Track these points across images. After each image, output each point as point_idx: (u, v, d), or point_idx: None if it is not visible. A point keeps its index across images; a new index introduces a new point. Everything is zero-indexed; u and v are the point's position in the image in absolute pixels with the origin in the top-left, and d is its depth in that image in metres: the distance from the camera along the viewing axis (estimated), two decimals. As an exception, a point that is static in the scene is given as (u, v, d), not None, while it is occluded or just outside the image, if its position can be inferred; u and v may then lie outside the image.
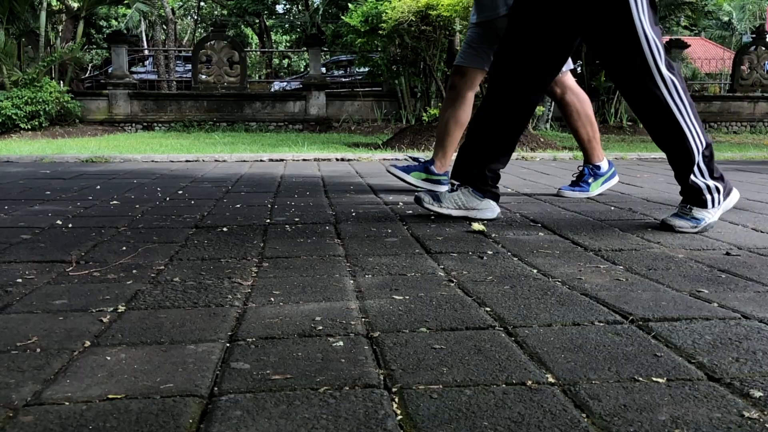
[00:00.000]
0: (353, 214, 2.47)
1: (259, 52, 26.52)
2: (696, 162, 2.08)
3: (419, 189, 3.07)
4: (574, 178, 3.09)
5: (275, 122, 11.56)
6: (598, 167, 3.05)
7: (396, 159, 5.49)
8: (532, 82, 2.24)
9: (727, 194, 2.14)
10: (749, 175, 4.25)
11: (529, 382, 0.93)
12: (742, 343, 1.09)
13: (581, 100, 3.04)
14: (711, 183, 2.09)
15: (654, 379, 0.94)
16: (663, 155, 6.32)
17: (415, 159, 3.24)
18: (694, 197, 2.11)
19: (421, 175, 3.15)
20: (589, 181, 3.03)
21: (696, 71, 18.55)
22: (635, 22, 2.00)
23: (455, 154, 2.60)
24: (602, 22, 2.07)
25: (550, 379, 0.94)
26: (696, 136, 2.07)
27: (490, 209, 2.33)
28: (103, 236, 2.01)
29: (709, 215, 2.10)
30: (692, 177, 2.10)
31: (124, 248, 1.84)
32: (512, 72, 2.24)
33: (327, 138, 8.97)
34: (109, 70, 12.84)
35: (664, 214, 2.48)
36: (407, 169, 3.16)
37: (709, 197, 2.09)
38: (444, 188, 2.92)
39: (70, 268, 1.61)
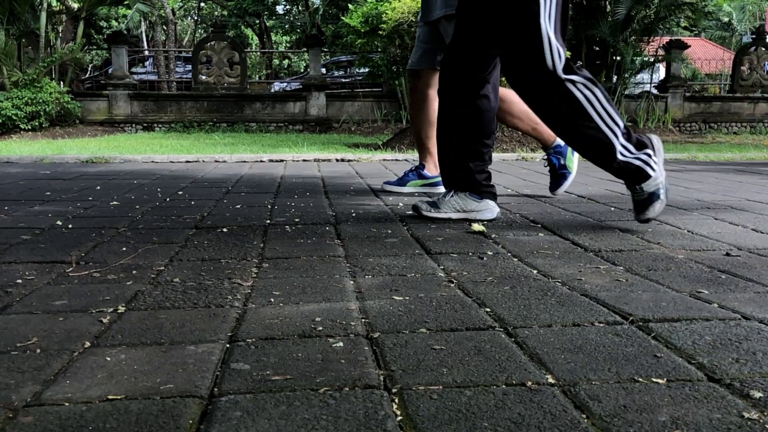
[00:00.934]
0: (353, 214, 2.47)
1: (259, 53, 26.53)
2: (620, 144, 2.08)
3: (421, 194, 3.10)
4: (550, 173, 3.07)
5: (275, 123, 11.57)
6: (559, 146, 3.04)
7: (395, 160, 5.49)
8: (473, 79, 2.26)
9: (654, 149, 2.14)
10: (749, 175, 4.25)
11: (529, 383, 0.93)
12: (742, 344, 1.09)
13: (507, 101, 3.02)
14: (642, 155, 2.10)
15: (654, 379, 0.94)
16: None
17: (405, 175, 3.25)
18: (634, 176, 2.11)
19: (417, 183, 3.18)
20: (563, 162, 3.02)
21: (696, 72, 18.56)
22: (541, 25, 2.03)
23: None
24: (508, 22, 2.10)
25: (550, 380, 0.94)
26: (612, 122, 2.08)
27: (489, 210, 2.33)
28: (103, 237, 2.01)
29: (659, 179, 2.11)
30: (620, 157, 2.09)
31: (124, 249, 1.84)
32: (454, 70, 2.29)
33: (327, 138, 8.97)
34: (110, 71, 12.84)
35: (665, 214, 2.48)
36: (402, 182, 3.20)
37: (647, 167, 2.10)
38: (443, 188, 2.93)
39: (70, 269, 1.61)
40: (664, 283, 1.49)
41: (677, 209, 2.62)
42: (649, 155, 2.11)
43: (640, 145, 2.12)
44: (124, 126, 11.14)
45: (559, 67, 2.06)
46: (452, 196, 2.34)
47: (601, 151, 2.11)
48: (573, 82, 2.06)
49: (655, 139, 2.18)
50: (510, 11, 2.09)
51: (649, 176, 2.10)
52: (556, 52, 2.05)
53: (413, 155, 5.60)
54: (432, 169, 3.16)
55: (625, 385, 0.93)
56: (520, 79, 2.17)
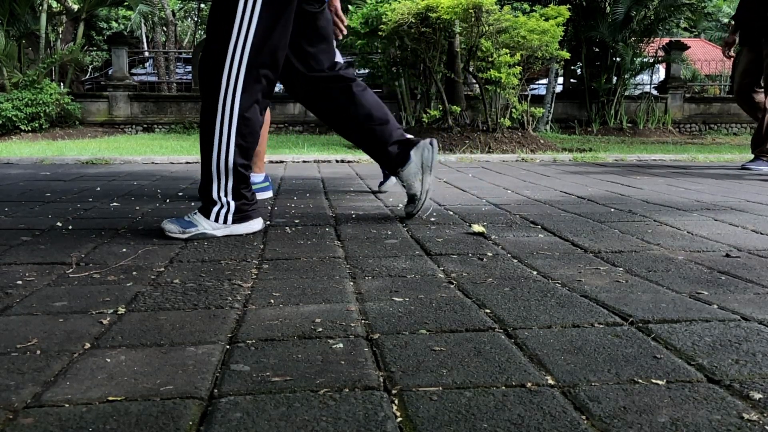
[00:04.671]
0: (353, 215, 2.48)
1: (259, 54, 26.50)
2: (223, 177, 2.01)
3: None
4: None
5: (275, 124, 11.56)
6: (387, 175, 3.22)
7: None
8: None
9: (241, 219, 2.05)
10: (749, 177, 4.25)
11: (529, 384, 0.93)
12: (741, 345, 1.09)
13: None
14: (226, 201, 2.02)
15: (654, 380, 0.94)
16: (663, 157, 6.29)
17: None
18: (205, 203, 2.05)
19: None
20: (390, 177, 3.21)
21: (696, 73, 18.56)
22: (232, 34, 1.93)
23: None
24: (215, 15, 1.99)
25: (550, 381, 0.94)
26: (223, 150, 1.99)
27: (426, 147, 2.31)
28: (103, 238, 2.01)
29: (205, 225, 2.01)
30: (214, 188, 2.02)
31: (124, 250, 1.84)
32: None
33: (327, 140, 8.97)
34: (110, 72, 12.85)
35: (665, 215, 2.48)
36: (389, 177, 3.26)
37: (215, 210, 2.02)
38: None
39: (70, 270, 1.61)
40: (663, 284, 1.49)
41: (677, 210, 2.62)
42: (229, 208, 2.02)
43: (237, 199, 2.04)
44: (124, 127, 11.14)
45: (240, 77, 1.95)
46: (399, 174, 2.32)
47: (204, 164, 2.03)
48: (234, 91, 1.95)
49: (256, 221, 2.11)
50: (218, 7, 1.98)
51: (208, 216, 2.02)
52: (240, 54, 1.93)
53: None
54: None
55: (625, 386, 0.93)
56: (203, 60, 2.01)
